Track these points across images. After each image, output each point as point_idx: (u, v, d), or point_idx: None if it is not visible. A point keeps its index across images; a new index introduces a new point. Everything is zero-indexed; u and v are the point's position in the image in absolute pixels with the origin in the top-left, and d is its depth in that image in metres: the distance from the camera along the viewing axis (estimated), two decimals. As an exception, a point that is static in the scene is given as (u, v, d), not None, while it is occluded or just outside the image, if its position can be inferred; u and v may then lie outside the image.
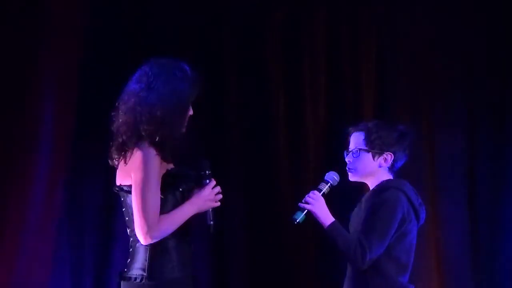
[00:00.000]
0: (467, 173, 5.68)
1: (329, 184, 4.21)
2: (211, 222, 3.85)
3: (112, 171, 3.91)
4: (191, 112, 3.83)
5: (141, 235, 3.69)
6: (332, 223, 4.12)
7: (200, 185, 3.85)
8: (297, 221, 4.18)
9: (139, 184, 3.69)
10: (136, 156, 3.72)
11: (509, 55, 5.64)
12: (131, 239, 3.81)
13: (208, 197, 3.83)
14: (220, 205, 3.84)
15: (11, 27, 4.99)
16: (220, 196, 3.87)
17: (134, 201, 3.72)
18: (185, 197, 3.81)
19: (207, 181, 3.85)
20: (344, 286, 4.26)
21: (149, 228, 3.67)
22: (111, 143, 3.82)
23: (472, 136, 5.68)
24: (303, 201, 4.18)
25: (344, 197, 4.59)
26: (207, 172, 3.87)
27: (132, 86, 3.78)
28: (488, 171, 5.67)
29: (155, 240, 3.72)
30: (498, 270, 5.56)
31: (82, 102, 5.23)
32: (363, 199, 4.22)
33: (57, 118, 4.98)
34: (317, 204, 4.15)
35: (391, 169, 4.21)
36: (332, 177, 4.22)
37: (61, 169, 5.04)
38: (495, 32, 5.65)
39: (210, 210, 3.85)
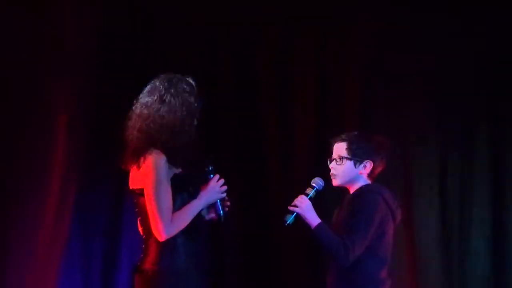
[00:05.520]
0: (439, 181, 5.82)
1: (315, 189, 4.37)
2: (221, 212, 4.03)
3: (123, 175, 4.04)
4: (196, 122, 3.96)
5: (158, 233, 3.83)
6: (318, 224, 4.27)
7: (206, 180, 3.98)
8: (287, 223, 4.32)
9: (152, 187, 3.83)
10: (148, 162, 3.86)
11: (477, 79, 5.84)
12: (144, 236, 3.96)
13: (214, 189, 3.98)
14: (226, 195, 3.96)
15: (25, 36, 4.98)
16: (225, 187, 3.99)
17: (148, 203, 3.84)
18: (192, 198, 3.93)
19: (211, 175, 4.00)
20: (328, 281, 4.42)
21: (165, 226, 3.82)
22: (124, 149, 3.94)
23: (443, 148, 5.85)
24: (292, 204, 4.33)
25: (331, 199, 4.74)
26: (210, 168, 4.00)
27: (145, 98, 3.94)
28: (458, 179, 5.84)
29: (170, 236, 3.85)
30: (467, 269, 5.77)
31: (94, 111, 5.28)
32: (345, 202, 4.39)
33: (70, 126, 5.02)
34: (304, 207, 4.30)
35: (370, 175, 4.40)
36: (318, 182, 4.38)
37: (74, 173, 5.06)
38: (465, 60, 5.84)
39: (218, 201, 4.01)
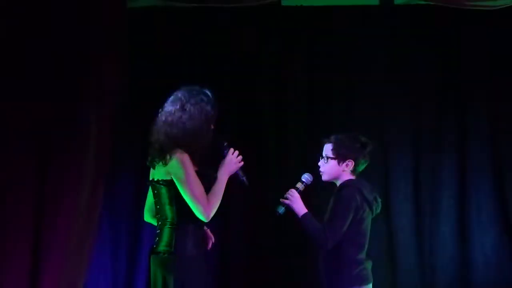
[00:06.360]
0: (413, 176, 6.20)
1: (304, 184, 4.70)
2: (244, 178, 4.33)
3: (144, 170, 4.37)
4: (213, 127, 4.28)
5: (202, 215, 4.13)
6: (304, 214, 4.60)
7: (223, 156, 4.28)
8: (279, 212, 4.65)
9: (185, 180, 4.12)
10: (175, 160, 4.14)
11: (444, 89, 6.21)
12: (159, 222, 4.26)
13: (232, 161, 4.27)
14: (242, 164, 4.24)
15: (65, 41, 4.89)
16: (241, 156, 4.28)
17: (186, 194, 4.12)
18: (206, 193, 4.17)
19: (227, 150, 4.30)
20: (316, 262, 4.73)
21: (205, 209, 4.12)
22: (150, 149, 4.23)
23: (416, 147, 6.22)
24: (284, 197, 4.66)
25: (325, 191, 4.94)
26: (225, 143, 4.31)
27: (169, 107, 4.24)
28: (429, 174, 6.19)
29: (212, 215, 4.15)
30: (436, 251, 6.15)
31: (119, 119, 5.39)
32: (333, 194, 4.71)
33: (100, 130, 5.08)
34: (293, 199, 4.63)
35: (353, 172, 4.73)
36: (306, 177, 4.72)
37: (102, 169, 5.14)
38: (437, 71, 6.22)
39: (239, 170, 4.31)
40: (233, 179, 4.29)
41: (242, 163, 4.29)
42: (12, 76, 4.72)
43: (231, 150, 4.29)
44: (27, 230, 4.77)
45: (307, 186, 4.74)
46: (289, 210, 4.66)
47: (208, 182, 4.22)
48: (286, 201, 4.66)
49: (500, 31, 6.14)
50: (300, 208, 4.64)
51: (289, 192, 4.69)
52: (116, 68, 5.08)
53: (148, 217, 4.49)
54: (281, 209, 4.66)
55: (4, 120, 4.74)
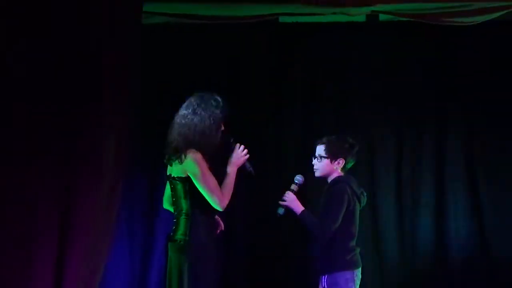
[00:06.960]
0: (396, 172, 6.49)
1: (297, 184, 4.95)
2: (251, 169, 4.58)
3: (158, 169, 4.63)
4: (222, 128, 4.56)
5: (218, 206, 4.38)
6: (302, 212, 4.83)
7: (230, 150, 4.52)
8: (280, 214, 4.88)
9: (201, 176, 4.37)
10: (190, 158, 4.39)
11: (426, 96, 6.45)
12: (176, 213, 4.52)
13: (239, 155, 4.54)
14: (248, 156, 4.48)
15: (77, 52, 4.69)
16: (246, 150, 4.52)
17: (202, 188, 4.35)
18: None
19: (234, 146, 4.55)
20: (312, 250, 5.00)
21: (220, 200, 4.38)
22: (166, 149, 4.49)
23: (399, 146, 6.48)
24: (282, 199, 4.89)
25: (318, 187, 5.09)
26: (232, 139, 4.56)
27: (182, 111, 4.51)
28: (410, 171, 6.47)
29: (226, 205, 4.38)
30: (417, 238, 6.42)
31: (136, 124, 5.27)
32: (324, 190, 4.98)
33: (118, 131, 4.92)
34: (290, 200, 4.87)
35: (343, 169, 5.00)
36: (299, 179, 4.97)
37: (121, 170, 5.04)
38: (419, 76, 6.47)
39: (246, 161, 4.55)
40: (241, 171, 4.57)
41: (248, 155, 4.53)
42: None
43: (237, 145, 4.53)
44: (52, 228, 4.74)
45: (300, 186, 5.00)
46: (288, 210, 4.90)
47: (220, 177, 4.50)
48: (284, 203, 4.90)
49: (486, 42, 6.40)
50: (297, 207, 4.88)
51: (285, 194, 4.93)
52: (126, 69, 5.00)
53: (166, 205, 4.77)
54: (281, 210, 4.90)
55: (25, 123, 4.66)
